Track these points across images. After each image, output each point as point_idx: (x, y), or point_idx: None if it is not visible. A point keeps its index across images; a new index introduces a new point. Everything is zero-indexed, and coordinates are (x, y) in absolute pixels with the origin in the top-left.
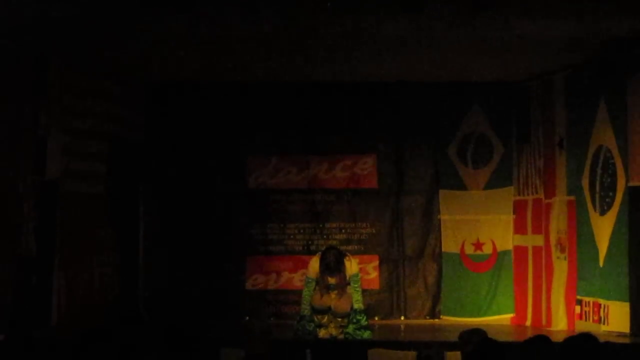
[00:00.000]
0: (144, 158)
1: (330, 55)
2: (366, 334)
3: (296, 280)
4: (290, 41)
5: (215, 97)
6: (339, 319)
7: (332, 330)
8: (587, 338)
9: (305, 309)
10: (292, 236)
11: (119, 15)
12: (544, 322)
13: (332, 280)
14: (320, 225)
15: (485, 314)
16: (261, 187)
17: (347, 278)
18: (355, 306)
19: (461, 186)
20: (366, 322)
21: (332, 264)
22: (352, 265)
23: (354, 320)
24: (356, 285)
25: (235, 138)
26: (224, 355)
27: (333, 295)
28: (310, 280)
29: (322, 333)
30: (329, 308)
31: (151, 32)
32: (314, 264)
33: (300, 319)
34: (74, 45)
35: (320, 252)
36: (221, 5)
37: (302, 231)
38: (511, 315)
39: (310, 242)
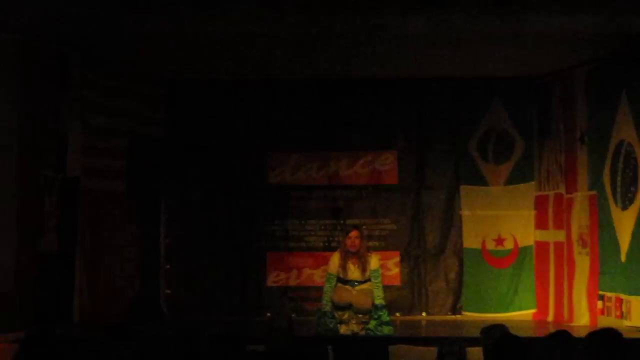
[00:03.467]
0: (164, 154)
1: (352, 52)
2: (387, 330)
3: (317, 276)
4: (312, 38)
5: (236, 94)
6: (360, 316)
7: (353, 327)
8: (610, 333)
9: (326, 305)
10: (312, 232)
11: (140, 13)
12: (565, 317)
13: (352, 271)
14: (341, 222)
15: (506, 310)
16: (282, 183)
17: (368, 274)
18: (377, 302)
19: (482, 182)
20: (388, 318)
21: (358, 226)
22: (373, 261)
23: (376, 316)
24: (377, 281)
25: (256, 134)
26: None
27: (354, 291)
28: (331, 276)
29: (343, 329)
30: (350, 304)
31: (172, 30)
32: (335, 259)
33: (322, 315)
34: (96, 43)
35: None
36: (242, 3)
37: (322, 228)
38: (533, 310)
39: (331, 239)
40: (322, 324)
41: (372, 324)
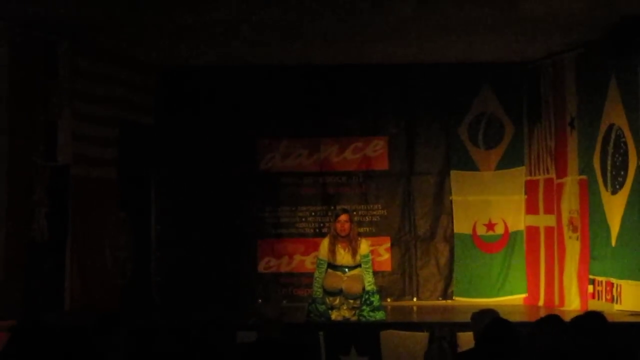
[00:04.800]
0: (154, 142)
1: (341, 37)
2: (380, 315)
3: (308, 263)
4: (298, 23)
5: (225, 80)
6: (351, 301)
7: (345, 312)
8: (595, 316)
9: (317, 291)
10: (303, 219)
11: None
12: (556, 302)
13: (342, 256)
14: (332, 208)
15: (497, 295)
16: (272, 169)
17: (359, 258)
18: (368, 287)
19: (472, 167)
20: (379, 303)
21: (346, 209)
22: (363, 246)
23: (368, 302)
24: (367, 267)
25: (245, 121)
26: (239, 339)
27: (344, 277)
28: (321, 262)
29: (334, 315)
30: (340, 290)
31: (159, 16)
32: (325, 244)
33: (312, 301)
34: (84, 30)
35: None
36: None
37: (313, 214)
38: (524, 295)
39: (321, 225)
40: (313, 309)
41: (365, 310)
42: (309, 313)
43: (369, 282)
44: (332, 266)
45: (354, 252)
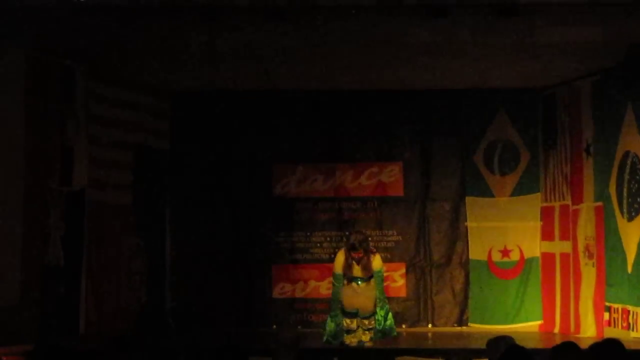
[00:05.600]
0: (169, 167)
1: (356, 63)
2: (390, 323)
3: (323, 288)
4: (316, 50)
5: (241, 106)
6: (366, 322)
7: (361, 337)
8: (613, 343)
9: (335, 308)
10: (318, 244)
11: (143, 25)
12: (572, 329)
13: (357, 269)
14: (347, 234)
15: (513, 321)
16: (287, 195)
17: (372, 272)
18: (379, 306)
19: (488, 193)
20: (383, 311)
21: (357, 243)
22: (375, 262)
23: (378, 316)
24: (379, 280)
25: (261, 146)
26: None
27: (359, 292)
28: (338, 275)
29: (349, 340)
30: (357, 311)
31: (175, 42)
32: (340, 257)
33: (332, 317)
34: (101, 56)
35: (345, 239)
36: (247, 14)
37: (328, 239)
38: (539, 322)
39: (336, 251)
40: (331, 328)
41: (378, 335)
42: (324, 332)
43: (379, 293)
44: (348, 277)
45: (367, 269)
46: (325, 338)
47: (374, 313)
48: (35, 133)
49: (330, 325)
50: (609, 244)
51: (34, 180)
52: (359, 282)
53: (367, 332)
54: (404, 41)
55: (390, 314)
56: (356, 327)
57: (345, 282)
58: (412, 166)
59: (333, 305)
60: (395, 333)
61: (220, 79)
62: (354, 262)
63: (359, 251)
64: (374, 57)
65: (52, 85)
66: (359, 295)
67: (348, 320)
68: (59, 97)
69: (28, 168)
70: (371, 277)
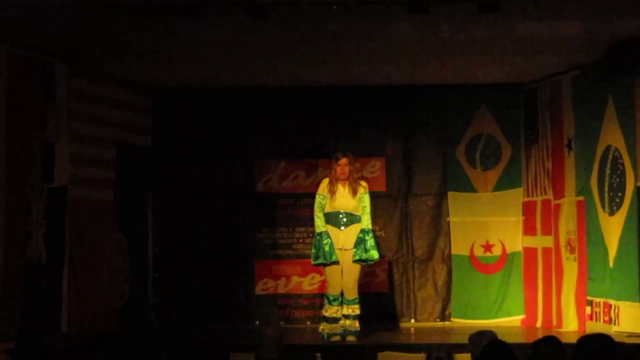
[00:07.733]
0: (151, 163)
1: (338, 58)
2: (373, 254)
3: (306, 284)
4: (296, 45)
5: (222, 102)
6: (350, 309)
7: (345, 322)
8: (602, 338)
9: (321, 226)
10: (301, 240)
11: (125, 20)
12: (554, 323)
13: (341, 196)
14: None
15: (495, 316)
16: (269, 191)
17: (358, 197)
18: (364, 226)
19: (470, 188)
20: (373, 242)
21: (342, 153)
22: (363, 184)
23: (363, 241)
24: (364, 205)
25: (243, 142)
26: None
27: (341, 234)
28: (320, 196)
29: (332, 334)
30: (340, 296)
31: (156, 38)
32: (324, 182)
33: (320, 237)
34: (82, 52)
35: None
36: (226, 11)
37: (310, 235)
38: (521, 316)
39: None
40: (319, 245)
41: (360, 249)
42: (316, 251)
43: (366, 221)
44: (329, 215)
45: (354, 192)
46: (319, 261)
47: (358, 298)
48: (16, 130)
49: (325, 247)
50: (591, 238)
51: (15, 178)
52: (343, 218)
53: (352, 320)
54: (385, 36)
55: (373, 241)
56: (339, 315)
57: (328, 240)
58: (394, 162)
59: (318, 224)
60: (376, 257)
61: (201, 75)
62: (339, 184)
63: (346, 164)
64: (355, 52)
65: (33, 82)
66: (343, 262)
67: (334, 308)
68: (40, 94)
69: (9, 165)
70: (355, 218)
